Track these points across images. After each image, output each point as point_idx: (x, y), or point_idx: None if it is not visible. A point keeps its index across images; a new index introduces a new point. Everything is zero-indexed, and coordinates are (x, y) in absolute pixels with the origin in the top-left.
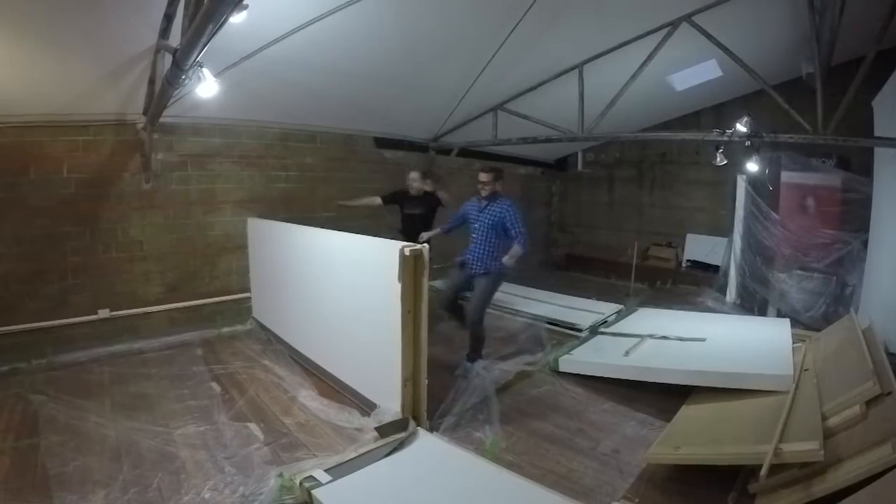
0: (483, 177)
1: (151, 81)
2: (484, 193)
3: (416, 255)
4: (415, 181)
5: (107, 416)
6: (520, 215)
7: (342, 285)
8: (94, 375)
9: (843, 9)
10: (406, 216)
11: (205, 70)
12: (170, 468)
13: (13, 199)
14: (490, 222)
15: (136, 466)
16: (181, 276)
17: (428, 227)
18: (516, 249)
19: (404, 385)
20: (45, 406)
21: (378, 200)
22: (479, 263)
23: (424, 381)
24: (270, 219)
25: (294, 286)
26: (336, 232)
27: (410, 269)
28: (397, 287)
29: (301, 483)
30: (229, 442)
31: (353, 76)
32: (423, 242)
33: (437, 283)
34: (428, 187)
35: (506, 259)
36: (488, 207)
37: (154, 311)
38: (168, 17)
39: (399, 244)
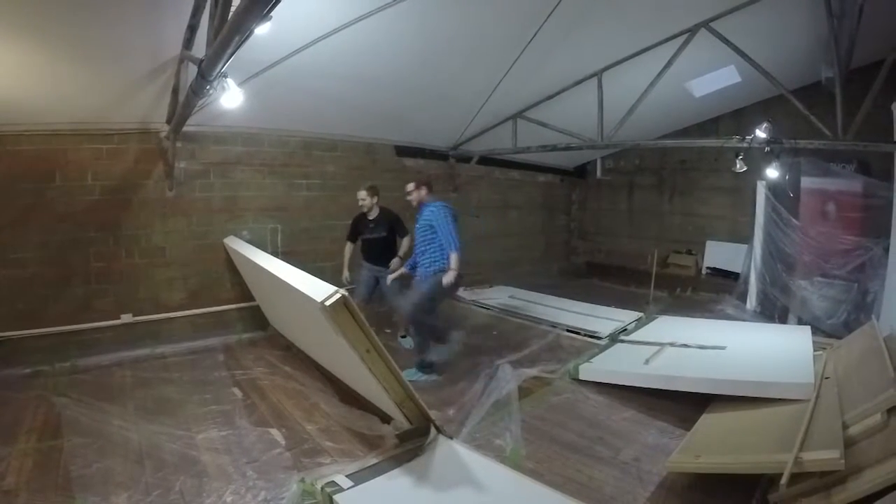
0: (407, 187)
1: (175, 91)
2: (413, 202)
3: (339, 301)
4: (363, 200)
5: (129, 420)
6: (450, 216)
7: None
8: (116, 379)
9: (862, 13)
10: (365, 242)
11: (229, 80)
12: (192, 472)
13: (39, 205)
14: (420, 227)
15: (159, 469)
16: (203, 283)
17: (392, 251)
18: (451, 258)
19: (400, 407)
20: (68, 408)
21: (348, 244)
22: (419, 269)
23: (420, 401)
24: (293, 226)
25: (284, 305)
26: (281, 268)
27: (343, 313)
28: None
29: (322, 488)
30: (251, 447)
31: (374, 85)
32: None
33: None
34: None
35: (444, 279)
36: (419, 214)
37: (176, 317)
38: (192, 28)
39: (318, 293)
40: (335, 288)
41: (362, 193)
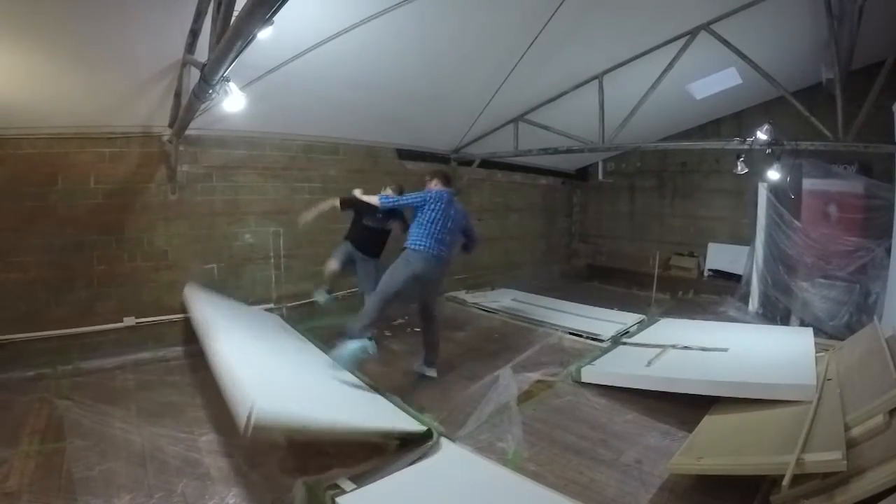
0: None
1: (177, 95)
2: None
3: (256, 426)
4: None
5: (132, 422)
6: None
7: None
8: (119, 382)
9: (862, 14)
10: (363, 227)
11: (231, 84)
12: (194, 474)
13: (42, 209)
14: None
15: (161, 472)
16: (206, 286)
17: (383, 244)
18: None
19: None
20: (71, 411)
21: (336, 202)
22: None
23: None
24: (295, 229)
25: None
26: (221, 354)
27: (267, 430)
28: None
29: (325, 491)
30: (254, 449)
31: (375, 88)
32: None
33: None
34: None
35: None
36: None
37: (179, 320)
38: (194, 33)
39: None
40: (251, 404)
41: (391, 193)
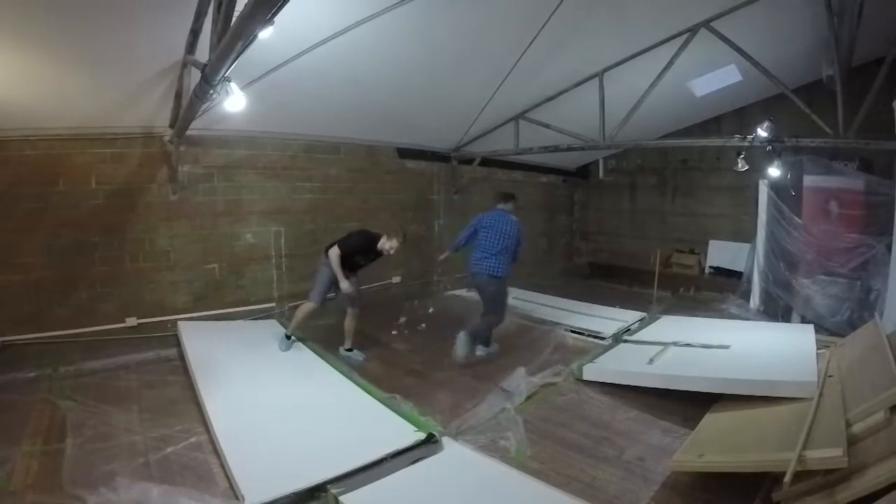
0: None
1: (178, 95)
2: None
3: None
4: (393, 248)
5: (134, 422)
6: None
7: None
8: (121, 382)
9: (862, 10)
10: (356, 263)
11: (232, 84)
12: (197, 474)
13: (43, 210)
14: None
15: (164, 472)
16: (208, 286)
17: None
18: None
19: None
20: (74, 411)
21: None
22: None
23: None
24: (296, 228)
25: None
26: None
27: None
28: None
29: (329, 489)
30: None
31: (375, 87)
32: None
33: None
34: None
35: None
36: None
37: (181, 320)
38: (194, 33)
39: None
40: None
41: (396, 244)
